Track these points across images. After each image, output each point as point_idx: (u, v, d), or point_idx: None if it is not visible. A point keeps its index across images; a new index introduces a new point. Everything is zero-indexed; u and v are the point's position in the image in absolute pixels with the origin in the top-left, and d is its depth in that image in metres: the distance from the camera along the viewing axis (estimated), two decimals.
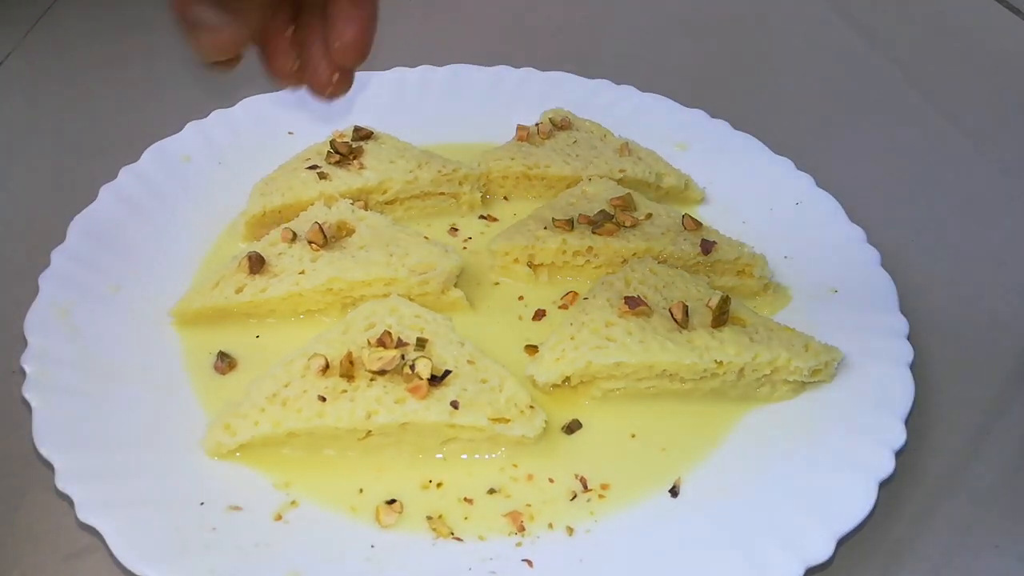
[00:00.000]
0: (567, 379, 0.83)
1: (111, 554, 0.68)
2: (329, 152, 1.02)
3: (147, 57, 1.30)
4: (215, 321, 0.89)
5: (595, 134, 1.12)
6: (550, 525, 0.75)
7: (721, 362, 0.83)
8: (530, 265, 0.96)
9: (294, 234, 0.93)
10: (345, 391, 0.78)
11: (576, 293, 0.95)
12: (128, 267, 0.92)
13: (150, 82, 1.26)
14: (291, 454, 0.78)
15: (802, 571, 0.70)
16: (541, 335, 0.90)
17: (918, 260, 1.05)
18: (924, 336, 0.93)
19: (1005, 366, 0.94)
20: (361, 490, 0.77)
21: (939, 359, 0.93)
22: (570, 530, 0.75)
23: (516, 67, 1.23)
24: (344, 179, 1.00)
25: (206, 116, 1.10)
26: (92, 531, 0.69)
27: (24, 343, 0.81)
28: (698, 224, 0.99)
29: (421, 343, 0.82)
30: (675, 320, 0.85)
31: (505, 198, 1.08)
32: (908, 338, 0.87)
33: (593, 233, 0.96)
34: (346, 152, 1.02)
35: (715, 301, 0.86)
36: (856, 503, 0.74)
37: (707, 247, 0.96)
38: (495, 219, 1.05)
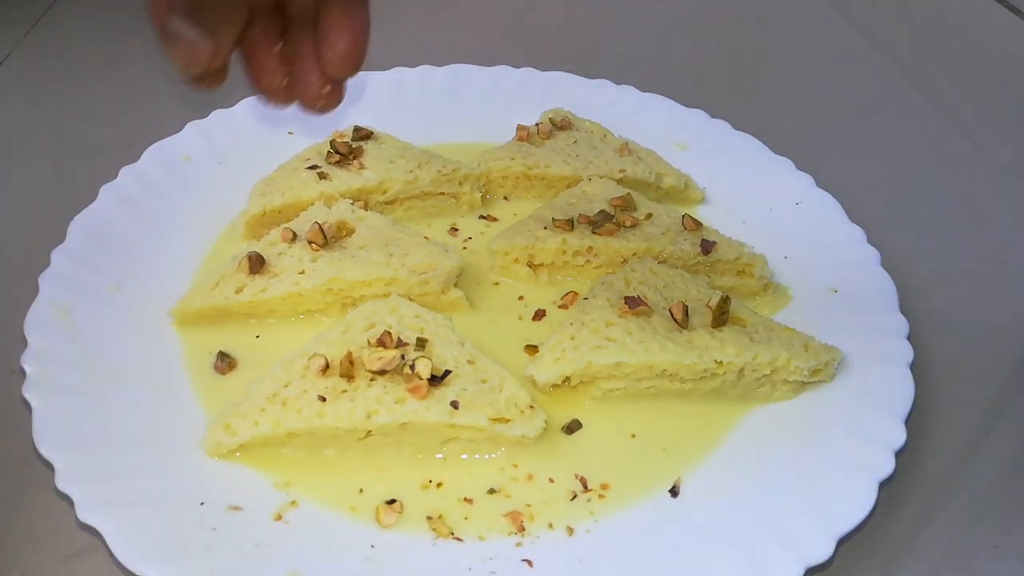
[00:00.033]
0: (567, 379, 0.83)
1: (111, 554, 0.68)
2: (329, 152, 1.02)
3: (147, 57, 1.30)
4: (215, 321, 0.89)
5: (595, 134, 1.12)
6: (550, 525, 0.75)
7: (721, 362, 0.83)
8: (530, 265, 0.96)
9: (294, 234, 0.93)
10: (345, 391, 0.78)
11: (576, 293, 0.95)
12: (128, 267, 0.92)
13: (150, 82, 1.26)
14: (291, 454, 0.78)
15: (802, 571, 0.70)
16: (541, 335, 0.90)
17: (918, 260, 1.05)
18: (924, 336, 0.93)
19: (1005, 366, 0.94)
20: (361, 490, 0.77)
21: (939, 359, 0.93)
22: (570, 530, 0.75)
23: (516, 67, 1.23)
24: (344, 179, 1.00)
25: (206, 116, 1.10)
26: (92, 531, 0.69)
27: (24, 343, 0.81)
28: (698, 224, 0.99)
29: (421, 343, 0.82)
30: (675, 320, 0.85)
31: (505, 198, 1.08)
32: (908, 338, 0.87)
33: (593, 233, 0.96)
34: (346, 152, 1.02)
35: (715, 301, 0.86)
36: (856, 503, 0.74)
37: (707, 247, 0.96)
38: (495, 219, 1.05)
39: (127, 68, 1.29)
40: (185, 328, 0.89)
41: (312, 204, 0.96)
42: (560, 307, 0.94)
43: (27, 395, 0.77)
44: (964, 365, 0.93)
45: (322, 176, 1.00)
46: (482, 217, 1.05)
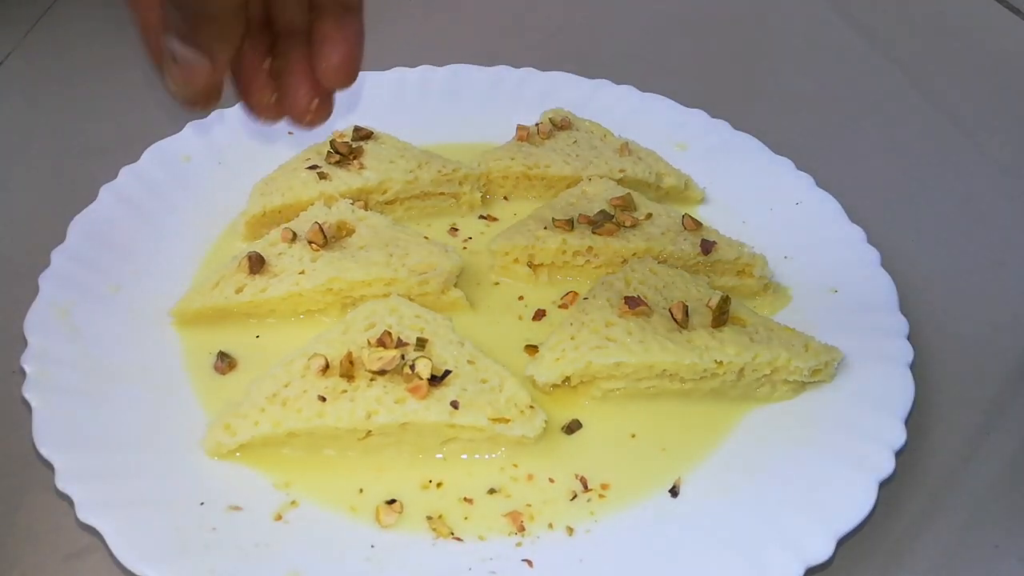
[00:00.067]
0: (567, 379, 0.83)
1: (111, 554, 0.68)
2: (329, 152, 1.02)
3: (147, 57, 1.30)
4: (215, 321, 0.89)
5: (595, 134, 1.12)
6: (550, 525, 0.75)
7: (721, 362, 0.83)
8: (530, 265, 0.96)
9: (294, 234, 0.93)
10: (345, 391, 0.78)
11: (576, 293, 0.95)
12: (128, 267, 0.93)
13: (150, 82, 1.26)
14: (291, 454, 0.78)
15: (802, 571, 0.70)
16: (541, 335, 0.90)
17: (918, 260, 1.05)
18: (924, 336, 0.93)
19: (1005, 366, 0.94)
20: (361, 490, 0.77)
21: (939, 359, 0.93)
22: (570, 530, 0.75)
23: (516, 67, 1.23)
24: (344, 179, 1.00)
25: (206, 116, 1.10)
26: (92, 531, 0.69)
27: (24, 343, 0.81)
28: (698, 224, 0.99)
29: (421, 343, 0.82)
30: (675, 320, 0.85)
31: (505, 198, 1.08)
32: (908, 338, 0.87)
33: (593, 233, 0.96)
34: (346, 152, 1.02)
35: (715, 301, 0.86)
36: (856, 503, 0.74)
37: (707, 247, 0.96)
38: (495, 219, 1.05)
39: (127, 68, 1.29)
40: (185, 328, 0.89)
41: (312, 204, 0.96)
42: (560, 307, 0.94)
43: (27, 395, 0.77)
44: (964, 365, 0.93)
45: (322, 176, 1.00)
46: (482, 217, 1.05)
